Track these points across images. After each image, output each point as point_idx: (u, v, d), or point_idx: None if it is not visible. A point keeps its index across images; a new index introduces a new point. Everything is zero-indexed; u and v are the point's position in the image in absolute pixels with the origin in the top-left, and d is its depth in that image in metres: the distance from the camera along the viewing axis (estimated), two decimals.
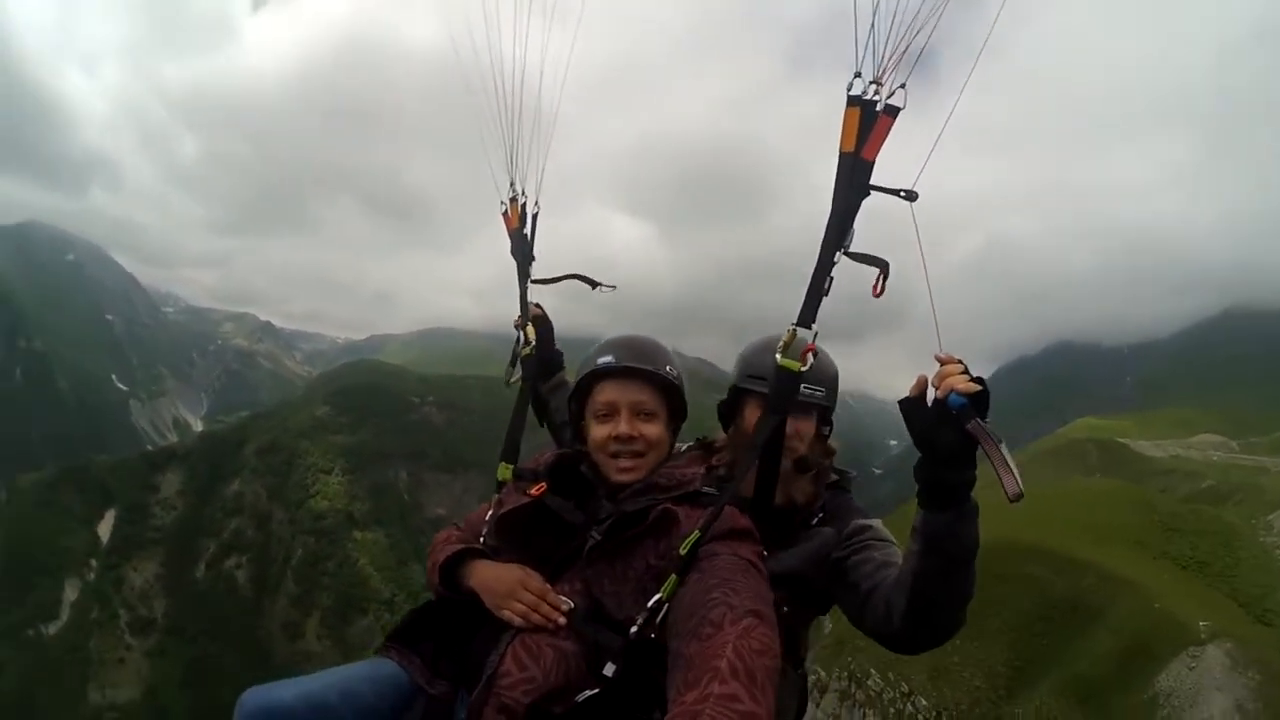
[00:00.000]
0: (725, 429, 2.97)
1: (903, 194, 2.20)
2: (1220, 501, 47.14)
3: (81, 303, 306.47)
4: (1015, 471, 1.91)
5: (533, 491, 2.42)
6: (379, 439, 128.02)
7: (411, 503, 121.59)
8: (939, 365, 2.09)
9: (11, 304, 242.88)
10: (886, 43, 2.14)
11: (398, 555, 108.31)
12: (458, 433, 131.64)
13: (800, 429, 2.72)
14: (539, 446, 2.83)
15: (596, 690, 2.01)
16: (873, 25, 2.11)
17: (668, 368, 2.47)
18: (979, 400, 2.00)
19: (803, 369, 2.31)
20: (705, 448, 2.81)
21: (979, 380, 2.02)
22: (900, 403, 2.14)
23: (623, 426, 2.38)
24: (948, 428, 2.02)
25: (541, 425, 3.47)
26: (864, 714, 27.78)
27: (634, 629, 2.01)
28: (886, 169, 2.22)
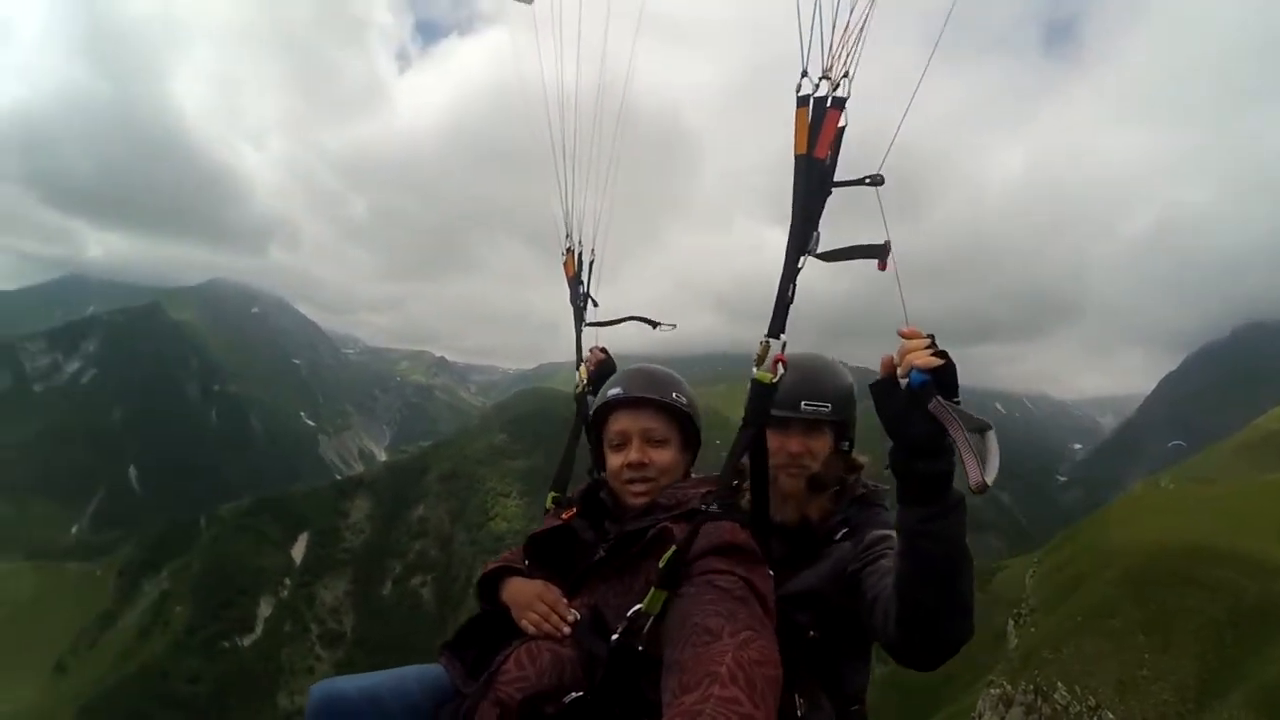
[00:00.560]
0: None
1: (867, 180, 2.10)
2: None
3: (269, 349, 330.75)
4: (993, 459, 1.76)
5: (564, 516, 2.70)
6: (554, 463, 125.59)
7: None
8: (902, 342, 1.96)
9: (206, 354, 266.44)
10: (833, 33, 2.07)
11: None
12: None
13: (812, 447, 2.72)
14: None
15: (581, 694, 2.14)
16: (815, 18, 2.04)
17: (674, 395, 2.61)
18: (943, 376, 1.87)
19: (773, 380, 2.20)
20: (739, 472, 2.63)
21: (943, 354, 1.89)
22: (870, 387, 2.04)
23: (633, 454, 2.54)
24: (918, 412, 1.89)
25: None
26: None
27: (614, 636, 2.11)
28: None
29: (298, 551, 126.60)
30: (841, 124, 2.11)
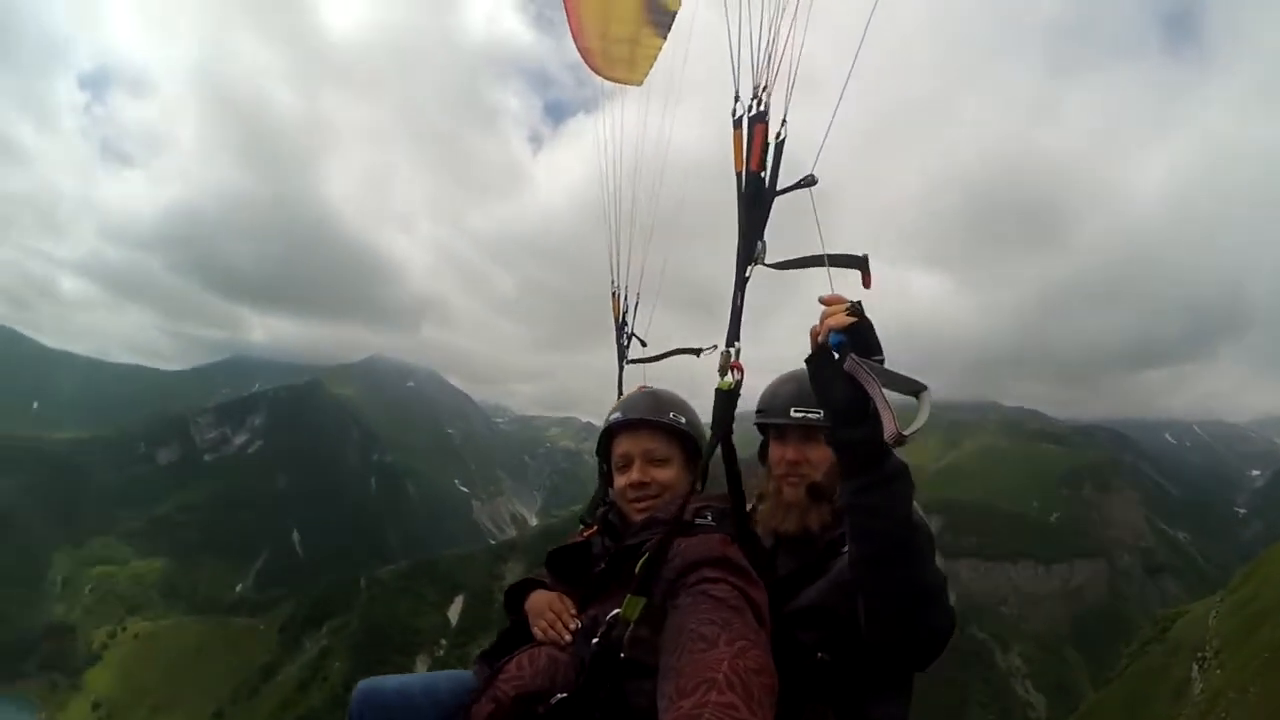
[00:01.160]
0: (762, 464, 2.92)
1: (802, 183, 2.20)
2: None
3: (424, 420, 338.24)
4: (920, 417, 1.77)
5: (584, 534, 2.92)
6: None
7: None
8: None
9: (365, 425, 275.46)
10: (765, 55, 2.28)
11: None
12: None
13: (809, 455, 2.66)
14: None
15: (566, 695, 2.25)
16: (740, 44, 2.29)
17: (672, 415, 2.73)
18: (857, 335, 1.88)
19: (730, 387, 2.24)
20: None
21: (858, 313, 1.92)
22: (805, 361, 2.06)
23: (634, 474, 2.67)
24: (840, 377, 1.88)
25: None
26: None
27: (594, 640, 2.21)
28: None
29: (453, 613, 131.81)
30: (781, 137, 2.24)
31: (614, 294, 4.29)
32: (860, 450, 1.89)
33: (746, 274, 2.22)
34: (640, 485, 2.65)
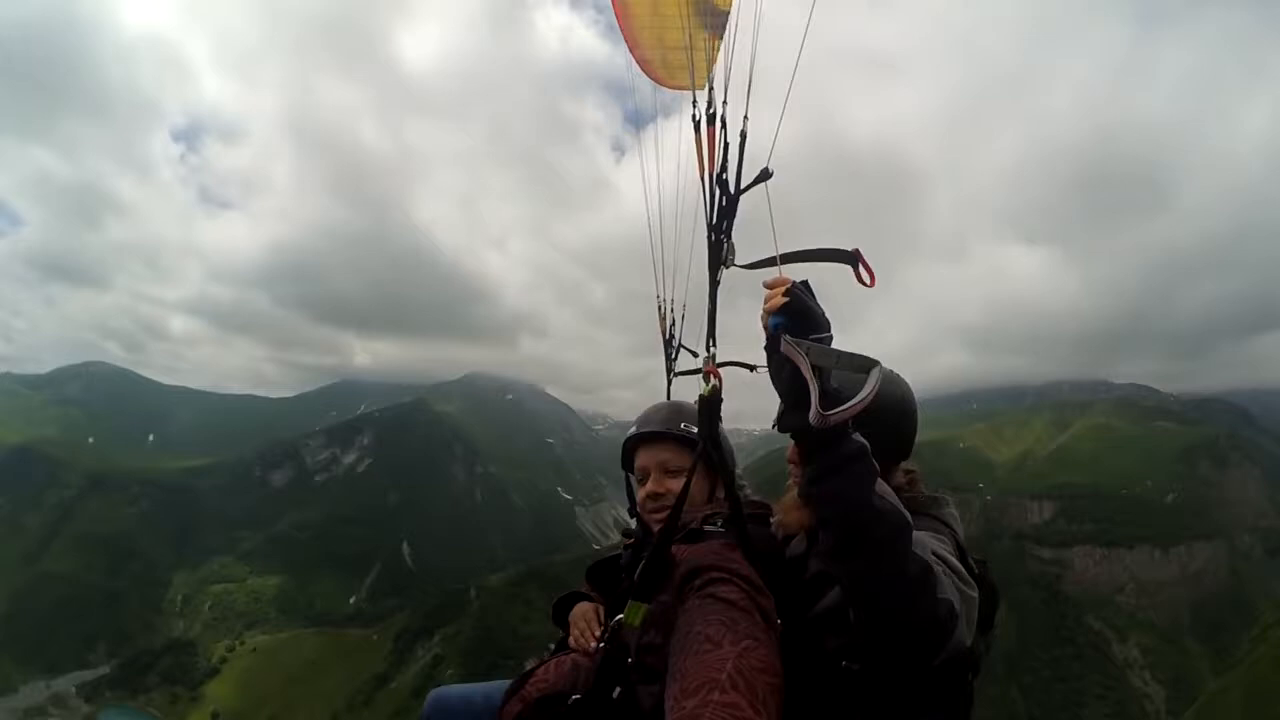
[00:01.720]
0: None
1: (759, 178, 2.24)
2: None
3: (525, 431, 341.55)
4: (863, 393, 1.70)
5: (626, 546, 3.01)
6: None
7: None
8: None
9: (468, 440, 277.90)
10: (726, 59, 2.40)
11: None
12: None
13: None
14: None
15: (578, 696, 2.36)
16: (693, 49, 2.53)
17: (683, 425, 2.76)
18: (793, 315, 1.79)
19: (710, 394, 2.28)
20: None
21: (789, 291, 1.82)
22: (765, 349, 1.94)
23: (650, 485, 2.76)
24: (786, 363, 1.78)
25: None
26: None
27: (597, 644, 2.37)
28: None
29: None
30: (742, 137, 2.32)
31: (659, 307, 4.36)
32: (811, 435, 1.78)
33: (718, 276, 2.24)
34: (656, 496, 2.71)
